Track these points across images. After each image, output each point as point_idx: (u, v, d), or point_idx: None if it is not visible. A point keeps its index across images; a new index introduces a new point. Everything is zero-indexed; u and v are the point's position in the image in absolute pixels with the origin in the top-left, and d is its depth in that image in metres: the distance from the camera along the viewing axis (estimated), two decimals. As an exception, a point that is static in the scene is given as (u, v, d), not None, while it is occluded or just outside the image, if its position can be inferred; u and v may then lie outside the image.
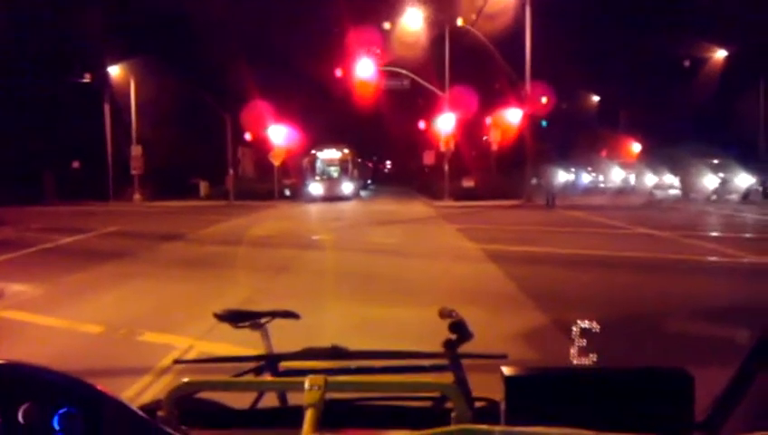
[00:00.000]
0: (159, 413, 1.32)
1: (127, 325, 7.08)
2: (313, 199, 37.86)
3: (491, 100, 37.01)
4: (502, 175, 37.09)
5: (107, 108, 38.97)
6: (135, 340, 6.58)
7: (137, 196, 38.27)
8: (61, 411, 1.14)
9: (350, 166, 41.37)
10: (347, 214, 28.01)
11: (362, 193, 47.90)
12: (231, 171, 39.10)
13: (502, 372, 1.40)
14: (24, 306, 8.02)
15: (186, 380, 1.31)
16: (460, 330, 2.02)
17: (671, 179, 43.29)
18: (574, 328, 1.70)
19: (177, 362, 3.56)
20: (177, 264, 13.03)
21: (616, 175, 54.10)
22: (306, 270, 11.96)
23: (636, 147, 52.48)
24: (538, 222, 21.96)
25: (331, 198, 37.64)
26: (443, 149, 35.99)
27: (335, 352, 2.16)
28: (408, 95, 39.10)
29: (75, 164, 41.21)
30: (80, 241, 17.01)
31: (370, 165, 79.25)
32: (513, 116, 34.47)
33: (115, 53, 37.95)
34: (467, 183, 37.24)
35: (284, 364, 2.19)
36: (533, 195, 32.42)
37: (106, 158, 38.98)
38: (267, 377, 2.15)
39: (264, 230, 19.63)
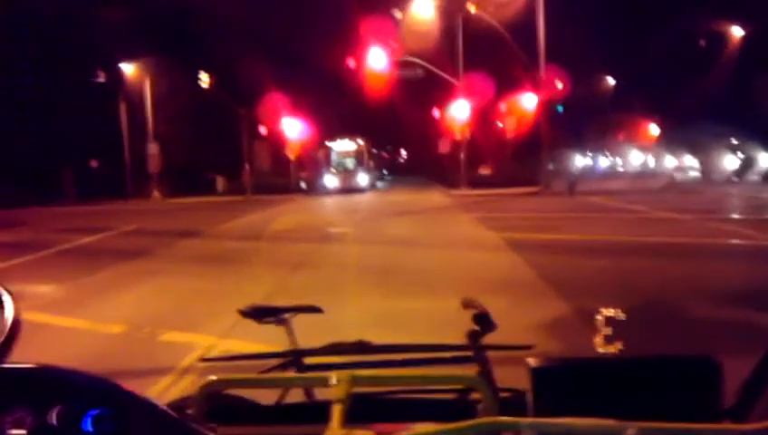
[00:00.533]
0: (188, 411, 1.33)
1: (149, 324, 7.12)
2: (329, 192, 37.84)
3: (505, 86, 36.73)
4: (518, 162, 36.85)
5: (123, 106, 39.21)
6: (157, 339, 6.61)
7: (155, 193, 38.49)
8: (92, 413, 1.15)
9: (364, 157, 41.26)
10: (363, 206, 28.03)
11: (378, 184, 47.82)
12: (247, 166, 39.19)
13: (528, 364, 1.40)
14: (47, 308, 8.07)
15: (214, 377, 1.32)
16: (483, 321, 2.00)
17: (691, 161, 42.82)
18: (598, 317, 1.68)
19: (203, 360, 3.58)
20: (196, 261, 13.11)
21: (634, 158, 53.62)
22: (325, 264, 11.96)
23: (653, 130, 51.81)
24: (558, 209, 21.84)
25: (347, 189, 37.59)
26: (458, 137, 35.79)
27: (360, 347, 2.17)
28: (422, 84, 38.82)
29: (93, 163, 41.55)
30: (100, 240, 17.17)
31: (386, 156, 79.06)
32: (528, 102, 34.17)
33: (129, 51, 38.14)
34: (484, 171, 37.12)
35: (309, 360, 2.20)
36: (551, 181, 32.18)
37: (123, 156, 39.23)
38: (293, 373, 2.16)
39: (282, 224, 19.68)
